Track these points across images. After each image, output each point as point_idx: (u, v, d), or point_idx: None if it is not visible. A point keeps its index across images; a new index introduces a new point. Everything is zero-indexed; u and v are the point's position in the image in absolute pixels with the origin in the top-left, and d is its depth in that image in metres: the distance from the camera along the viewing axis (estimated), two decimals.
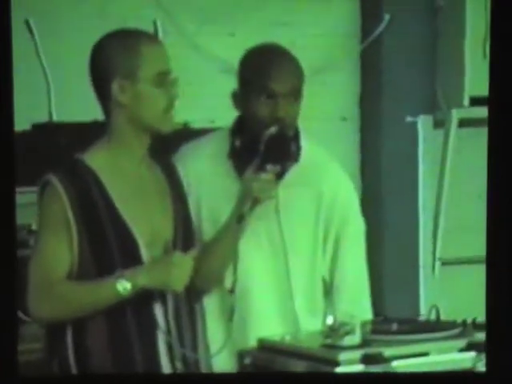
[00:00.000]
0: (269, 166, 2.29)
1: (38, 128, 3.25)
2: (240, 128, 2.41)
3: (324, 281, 2.45)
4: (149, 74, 2.21)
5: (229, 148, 2.39)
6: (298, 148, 2.40)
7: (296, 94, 2.35)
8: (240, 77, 2.40)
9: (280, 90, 2.32)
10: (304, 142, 2.43)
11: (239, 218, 2.28)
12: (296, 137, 2.41)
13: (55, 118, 3.43)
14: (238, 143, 2.38)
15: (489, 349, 1.88)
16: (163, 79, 2.22)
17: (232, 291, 2.31)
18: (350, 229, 2.44)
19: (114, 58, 2.22)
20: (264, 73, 2.34)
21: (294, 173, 2.38)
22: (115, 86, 2.21)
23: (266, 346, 2.26)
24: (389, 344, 2.14)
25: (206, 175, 2.40)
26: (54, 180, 2.18)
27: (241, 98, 2.39)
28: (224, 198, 2.34)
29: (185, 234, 2.28)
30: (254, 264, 2.40)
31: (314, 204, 2.41)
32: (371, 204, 3.87)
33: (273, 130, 2.31)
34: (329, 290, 2.45)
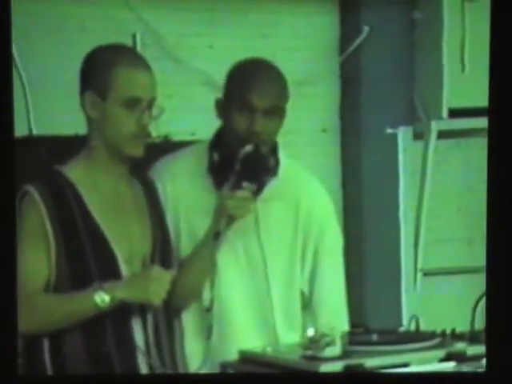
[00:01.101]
0: (245, 184, 2.29)
1: (18, 142, 3.24)
2: (219, 141, 2.41)
3: (303, 294, 2.45)
4: (118, 96, 2.19)
5: (207, 162, 2.39)
6: (277, 162, 2.40)
7: (276, 111, 2.35)
8: (224, 88, 2.41)
9: (258, 105, 2.32)
10: (282, 157, 2.43)
11: (215, 235, 2.29)
12: (274, 151, 2.42)
13: (35, 131, 3.43)
14: (216, 157, 2.38)
15: (489, 349, 1.87)
16: (134, 105, 2.19)
17: (209, 310, 2.31)
18: (328, 242, 2.45)
19: (91, 71, 2.22)
20: (245, 86, 2.34)
21: (272, 187, 2.38)
22: (87, 100, 2.21)
23: (247, 358, 2.26)
24: (369, 355, 2.15)
25: (185, 190, 2.40)
26: (32, 190, 2.18)
27: (222, 108, 2.40)
28: (202, 213, 2.34)
29: (163, 250, 2.28)
30: (233, 279, 2.40)
31: (291, 218, 2.41)
32: (352, 215, 3.89)
33: (249, 148, 2.31)
34: (308, 302, 2.45)
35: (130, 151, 2.22)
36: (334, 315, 2.43)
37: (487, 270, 1.88)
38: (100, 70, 2.21)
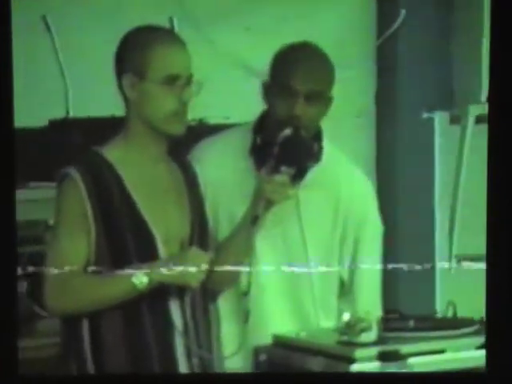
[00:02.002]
0: (283, 168, 2.28)
1: (55, 124, 3.26)
2: (262, 124, 2.40)
3: (342, 282, 2.44)
4: (157, 75, 2.19)
5: (250, 145, 2.38)
6: (320, 149, 2.38)
7: (318, 96, 2.33)
8: (269, 70, 2.39)
9: (300, 90, 2.30)
10: (325, 143, 2.41)
11: (253, 219, 2.28)
12: (318, 137, 2.40)
13: (72, 114, 3.44)
14: (258, 140, 2.37)
15: (489, 348, 1.87)
16: (173, 82, 2.19)
17: (246, 294, 2.30)
18: (369, 231, 2.44)
19: (128, 52, 2.22)
20: (287, 70, 2.32)
21: (314, 174, 2.37)
22: (125, 81, 2.21)
23: (281, 343, 2.26)
24: (405, 341, 2.14)
25: (226, 172, 2.39)
26: (73, 172, 2.18)
27: (266, 91, 2.39)
28: (242, 196, 2.33)
29: (201, 232, 2.28)
30: (269, 264, 2.39)
31: (332, 205, 2.40)
32: (386, 200, 3.85)
33: (288, 131, 2.30)
34: (347, 291, 2.45)
35: (171, 129, 2.22)
36: (371, 302, 2.42)
37: (487, 269, 1.88)
38: (137, 50, 2.20)
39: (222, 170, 2.39)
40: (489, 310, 1.87)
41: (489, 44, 1.83)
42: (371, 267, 2.45)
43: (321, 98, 2.33)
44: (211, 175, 2.37)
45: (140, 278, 2.14)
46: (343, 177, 2.43)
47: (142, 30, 2.25)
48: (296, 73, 2.31)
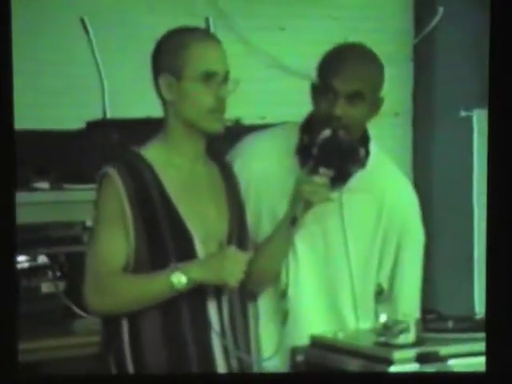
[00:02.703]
0: (321, 169, 2.26)
1: (92, 126, 3.27)
2: (308, 124, 2.39)
3: (381, 288, 2.42)
4: (195, 72, 2.18)
5: (297, 143, 2.36)
6: (366, 153, 2.34)
7: (361, 97, 2.28)
8: (317, 71, 2.36)
9: (340, 89, 2.27)
10: (372, 148, 2.38)
11: (292, 221, 2.26)
12: (364, 141, 2.36)
13: (109, 115, 3.46)
14: (306, 139, 2.35)
15: (489, 348, 1.85)
16: (210, 79, 2.18)
17: (284, 294, 2.29)
18: (410, 238, 2.40)
19: (164, 53, 2.22)
20: (330, 70, 2.29)
21: (358, 178, 2.33)
22: (162, 82, 2.21)
23: (318, 343, 2.24)
24: (444, 342, 2.11)
25: (271, 169, 2.36)
26: (112, 172, 2.19)
27: (314, 92, 2.36)
28: (286, 194, 2.30)
29: (239, 233, 2.27)
30: (309, 264, 2.38)
31: (375, 211, 2.37)
32: (424, 199, 3.82)
33: (327, 132, 2.27)
34: (386, 296, 2.42)
35: (210, 127, 2.22)
36: (410, 309, 2.39)
37: (487, 269, 1.85)
38: (173, 51, 2.21)
39: (268, 167, 2.36)
40: (489, 310, 1.84)
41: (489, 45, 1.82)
42: (411, 275, 2.42)
43: (364, 98, 2.28)
44: (256, 172, 2.35)
45: (179, 277, 2.14)
46: (389, 183, 2.39)
47: (177, 31, 2.25)
48: (338, 73, 2.28)
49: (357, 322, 2.37)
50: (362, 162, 2.33)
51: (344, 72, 2.28)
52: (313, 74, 2.36)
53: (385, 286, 2.40)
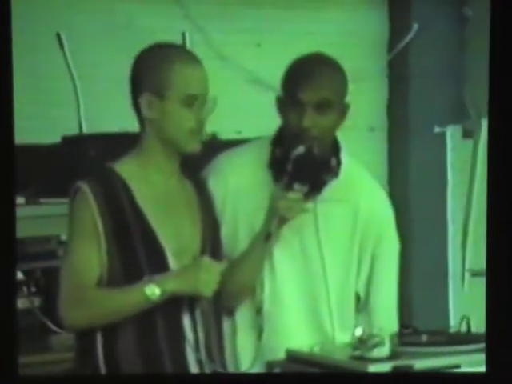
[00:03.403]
0: (296, 185, 2.27)
1: (68, 140, 3.27)
2: (279, 138, 2.40)
3: (358, 297, 2.43)
4: (178, 94, 2.19)
5: (269, 157, 2.38)
6: (338, 163, 2.36)
7: (328, 106, 2.29)
8: (281, 84, 2.38)
9: (307, 100, 2.28)
10: (344, 157, 2.40)
11: (266, 237, 2.27)
12: (335, 151, 2.38)
13: (85, 130, 3.45)
14: (277, 152, 2.36)
15: (489, 348, 1.86)
16: (193, 101, 2.20)
17: (259, 311, 2.30)
18: (386, 246, 2.41)
19: (146, 71, 2.22)
20: (295, 81, 2.31)
21: (332, 187, 2.35)
22: (143, 101, 2.21)
23: (294, 358, 2.25)
24: (419, 356, 2.12)
25: (245, 184, 2.37)
26: (84, 186, 2.19)
27: (280, 105, 2.38)
28: (261, 207, 2.32)
29: (213, 247, 2.28)
30: (288, 276, 2.38)
31: (350, 220, 2.38)
32: (399, 214, 3.85)
33: (301, 149, 2.28)
34: (363, 306, 2.43)
35: (189, 147, 2.23)
36: (387, 319, 2.40)
37: (487, 270, 1.86)
38: (154, 69, 2.21)
39: (242, 182, 2.37)
40: (489, 310, 1.85)
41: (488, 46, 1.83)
42: (387, 284, 2.43)
43: (332, 107, 2.30)
44: (230, 188, 2.36)
45: (152, 289, 2.15)
46: (363, 191, 2.40)
47: (156, 49, 2.25)
48: (303, 84, 2.28)
49: (338, 333, 2.37)
50: (334, 172, 2.34)
51: (308, 83, 2.29)
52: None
53: (361, 293, 2.42)
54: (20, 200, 3.08)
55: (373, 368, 2.07)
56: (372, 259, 2.40)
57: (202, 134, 2.24)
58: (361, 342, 2.12)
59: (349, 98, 2.38)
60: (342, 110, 2.34)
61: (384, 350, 2.10)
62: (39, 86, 3.47)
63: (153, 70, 2.21)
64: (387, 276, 2.43)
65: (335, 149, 2.38)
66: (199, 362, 2.20)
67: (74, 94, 3.47)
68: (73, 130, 3.44)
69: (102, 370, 2.18)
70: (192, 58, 2.25)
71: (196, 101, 2.21)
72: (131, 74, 2.25)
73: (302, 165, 2.28)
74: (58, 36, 3.47)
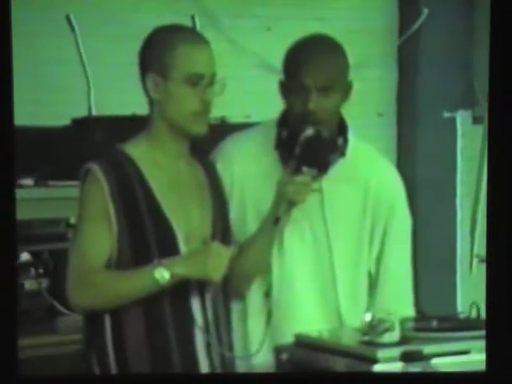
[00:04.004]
0: (304, 169, 2.26)
1: (78, 123, 3.26)
2: (285, 119, 2.39)
3: (369, 275, 2.41)
4: (181, 74, 2.19)
5: (275, 139, 2.37)
6: (345, 142, 2.35)
7: (332, 87, 2.27)
8: (283, 67, 2.36)
9: (311, 83, 2.26)
10: (351, 136, 2.38)
11: (275, 220, 2.26)
12: (342, 130, 2.36)
13: (94, 112, 3.45)
14: (283, 134, 2.35)
15: (489, 349, 1.86)
16: (197, 81, 2.19)
17: (268, 295, 2.29)
18: (397, 222, 2.38)
19: (152, 52, 2.22)
20: (297, 64, 2.28)
21: (339, 167, 2.33)
22: (149, 82, 2.21)
23: (303, 342, 2.24)
24: (428, 341, 2.11)
25: (252, 167, 2.36)
26: (95, 168, 2.18)
27: (283, 89, 2.36)
28: (268, 190, 2.30)
29: (223, 231, 2.27)
30: (298, 259, 2.38)
31: (360, 198, 2.35)
32: (408, 200, 3.85)
33: (309, 132, 2.27)
34: (373, 284, 2.41)
35: (195, 129, 2.22)
36: (399, 298, 2.39)
37: (487, 269, 1.85)
38: (160, 50, 2.20)
39: (249, 165, 2.36)
40: (489, 310, 1.85)
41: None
42: (398, 263, 2.41)
43: (335, 87, 2.28)
44: (238, 171, 2.35)
45: (162, 272, 2.14)
46: (372, 169, 2.38)
47: (164, 30, 2.25)
48: (305, 67, 2.26)
49: (350, 316, 2.36)
50: (341, 151, 2.33)
51: (312, 66, 2.27)
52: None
53: (372, 271, 2.40)
54: (28, 182, 3.09)
55: (382, 353, 2.06)
56: (383, 237, 2.38)
57: (208, 115, 2.22)
58: (370, 327, 2.11)
59: (353, 79, 2.37)
60: (346, 90, 2.33)
61: (394, 335, 2.10)
62: (49, 69, 3.46)
63: (157, 50, 2.20)
64: (398, 252, 2.40)
65: (342, 128, 2.37)
66: (207, 346, 2.20)
67: (84, 77, 3.46)
68: (83, 113, 3.43)
69: (110, 352, 2.18)
70: (197, 38, 2.24)
71: (201, 80, 2.19)
72: (139, 56, 2.25)
73: (311, 148, 2.27)
74: (68, 18, 3.46)
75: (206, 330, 2.21)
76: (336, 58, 2.32)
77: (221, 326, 2.25)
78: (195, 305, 2.21)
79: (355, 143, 2.38)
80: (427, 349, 2.08)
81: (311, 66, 2.27)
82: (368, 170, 2.38)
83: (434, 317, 2.26)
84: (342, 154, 2.33)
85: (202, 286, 2.22)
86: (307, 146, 2.27)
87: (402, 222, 2.42)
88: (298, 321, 2.35)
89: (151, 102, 2.25)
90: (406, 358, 2.07)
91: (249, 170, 2.36)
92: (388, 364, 2.06)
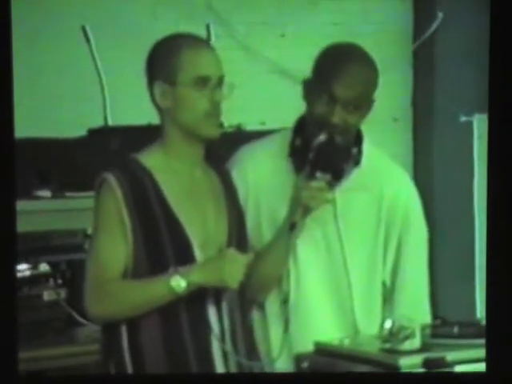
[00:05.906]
0: (318, 174, 2.25)
1: (94, 133, 3.27)
2: (302, 126, 2.37)
3: (384, 285, 2.40)
4: (187, 78, 2.19)
5: (289, 146, 2.36)
6: (359, 152, 2.34)
7: (359, 103, 2.26)
8: (312, 69, 2.32)
9: (340, 96, 2.25)
10: (366, 146, 2.38)
11: (291, 226, 2.25)
12: (357, 140, 2.36)
13: (110, 122, 3.45)
14: (298, 142, 2.34)
15: (489, 348, 1.84)
16: (203, 83, 2.19)
17: (286, 302, 2.28)
18: (413, 233, 2.38)
19: (157, 60, 2.23)
20: (329, 73, 2.26)
21: (354, 177, 2.33)
22: (156, 90, 2.21)
23: (323, 350, 2.22)
24: (450, 348, 2.10)
25: (266, 175, 2.36)
26: (110, 177, 2.18)
27: (307, 90, 2.33)
28: (283, 198, 2.30)
29: (239, 238, 2.27)
30: (312, 268, 2.37)
31: (374, 208, 2.35)
32: (425, 205, 3.83)
33: (322, 137, 2.25)
34: (389, 294, 2.40)
35: (206, 132, 2.21)
36: (415, 308, 2.38)
37: (487, 269, 1.84)
38: (165, 57, 2.21)
39: (263, 173, 2.36)
40: (489, 310, 1.83)
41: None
42: (415, 272, 2.40)
43: (361, 104, 2.27)
44: (253, 179, 2.35)
45: (178, 281, 2.13)
46: (386, 178, 2.37)
47: (168, 38, 2.26)
48: (338, 78, 2.24)
49: (364, 324, 2.35)
50: (355, 160, 2.32)
51: (345, 79, 2.25)
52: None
53: (388, 283, 2.39)
54: (46, 193, 3.10)
55: (403, 361, 2.04)
56: (398, 247, 2.37)
57: (218, 118, 2.22)
58: (391, 335, 2.10)
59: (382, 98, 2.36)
60: (369, 106, 2.32)
61: (415, 342, 2.08)
62: (65, 79, 3.47)
63: (162, 58, 2.21)
64: (414, 264, 2.39)
65: (357, 139, 2.35)
66: (224, 354, 2.19)
67: (99, 87, 3.46)
68: (98, 123, 3.43)
69: (128, 362, 2.18)
70: (200, 42, 2.25)
71: (208, 82, 2.19)
72: (146, 66, 2.26)
73: (324, 153, 2.26)
74: (84, 29, 3.47)
75: (222, 338, 2.20)
76: (369, 76, 2.30)
77: (237, 334, 2.25)
78: (212, 313, 2.20)
79: (370, 153, 2.36)
80: (450, 355, 2.06)
81: (345, 78, 2.25)
82: (382, 179, 2.37)
83: (455, 323, 2.24)
84: (357, 163, 2.32)
85: (218, 295, 2.21)
86: (320, 151, 2.26)
87: (418, 232, 2.40)
88: (314, 329, 2.33)
89: (161, 111, 2.25)
90: (429, 365, 2.05)
91: (263, 178, 2.36)
92: (410, 371, 2.04)
